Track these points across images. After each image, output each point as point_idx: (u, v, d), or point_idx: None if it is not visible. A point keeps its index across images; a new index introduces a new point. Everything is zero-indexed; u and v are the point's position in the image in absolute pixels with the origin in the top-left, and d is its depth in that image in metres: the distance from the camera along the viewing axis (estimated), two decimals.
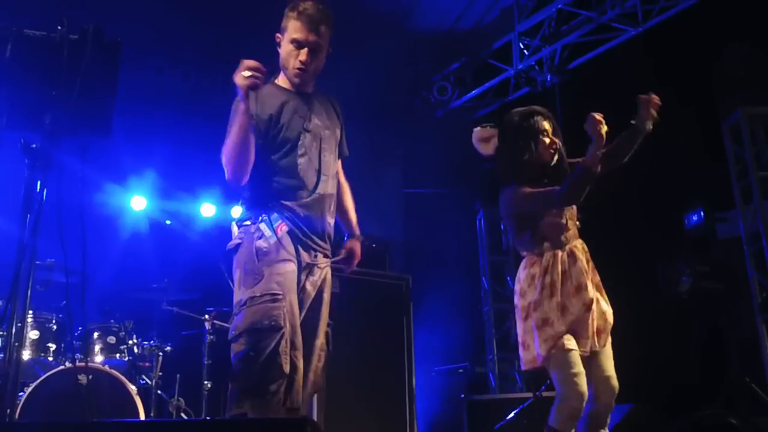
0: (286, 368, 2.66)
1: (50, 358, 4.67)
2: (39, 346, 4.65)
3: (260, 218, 2.87)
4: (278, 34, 3.05)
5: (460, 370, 7.16)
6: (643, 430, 4.65)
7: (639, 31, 6.44)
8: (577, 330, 3.15)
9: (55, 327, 4.73)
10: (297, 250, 2.89)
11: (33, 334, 4.64)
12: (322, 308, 2.99)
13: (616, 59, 6.67)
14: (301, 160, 2.95)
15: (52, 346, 4.70)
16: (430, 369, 7.14)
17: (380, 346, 5.28)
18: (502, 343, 7.59)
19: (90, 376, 4.38)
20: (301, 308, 2.90)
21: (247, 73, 2.69)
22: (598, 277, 3.32)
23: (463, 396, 5.75)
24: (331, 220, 3.06)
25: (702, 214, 5.92)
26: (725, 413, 3.91)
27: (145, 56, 6.84)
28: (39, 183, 2.27)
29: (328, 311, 3.05)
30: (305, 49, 2.96)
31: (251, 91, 2.75)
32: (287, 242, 2.86)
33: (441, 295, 7.21)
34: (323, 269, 3.02)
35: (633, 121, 3.33)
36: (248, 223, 2.91)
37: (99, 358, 4.85)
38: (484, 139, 3.52)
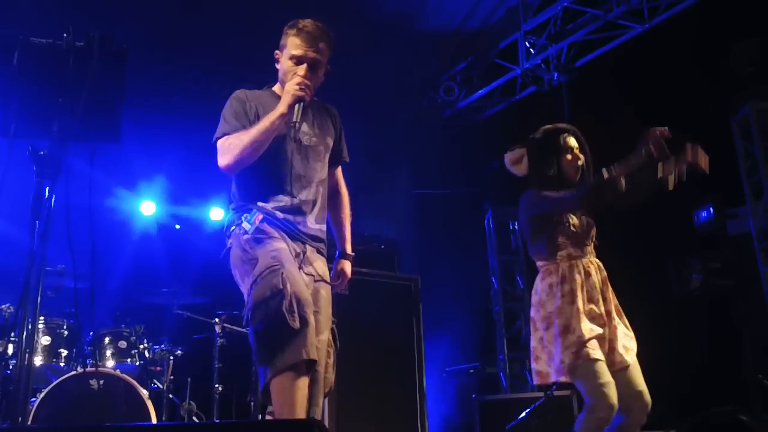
0: (294, 324, 2.65)
1: (62, 364, 4.70)
2: (51, 351, 4.69)
3: (242, 218, 2.94)
4: (277, 51, 3.10)
5: (471, 371, 7.15)
6: (654, 427, 4.63)
7: (645, 28, 6.42)
8: (601, 344, 3.11)
9: (66, 332, 4.76)
10: (283, 237, 2.91)
11: (45, 340, 4.68)
12: (321, 305, 2.97)
13: (623, 57, 6.65)
14: (282, 166, 2.98)
15: (64, 352, 4.73)
16: (440, 369, 7.14)
17: (390, 347, 5.28)
18: (512, 342, 7.55)
19: (102, 381, 4.41)
20: None
21: (302, 86, 2.86)
22: (616, 300, 3.28)
23: (474, 396, 5.74)
24: (316, 225, 3.04)
25: (712, 210, 5.89)
26: (736, 411, 3.89)
27: (154, 61, 6.87)
28: (47, 189, 2.28)
29: (331, 309, 3.04)
30: (304, 65, 2.99)
31: (297, 102, 2.86)
32: (269, 228, 2.90)
33: (451, 295, 7.20)
34: (318, 265, 3.01)
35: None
36: (233, 228, 2.97)
37: (110, 363, 4.87)
38: (515, 162, 3.53)
